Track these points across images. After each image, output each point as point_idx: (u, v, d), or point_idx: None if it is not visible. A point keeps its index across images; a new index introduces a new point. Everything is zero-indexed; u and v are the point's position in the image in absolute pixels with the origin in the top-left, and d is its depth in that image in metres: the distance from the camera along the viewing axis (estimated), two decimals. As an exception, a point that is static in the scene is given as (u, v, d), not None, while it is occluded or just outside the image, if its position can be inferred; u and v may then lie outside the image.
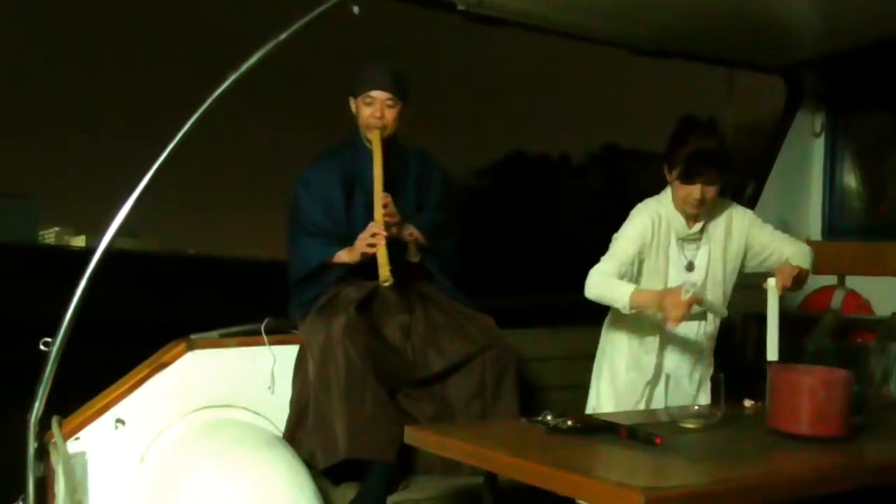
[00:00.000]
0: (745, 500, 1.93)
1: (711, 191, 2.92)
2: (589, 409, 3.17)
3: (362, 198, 3.20)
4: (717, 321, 3.09)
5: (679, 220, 3.02)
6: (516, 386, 3.14)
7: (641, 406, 3.06)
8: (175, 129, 2.96)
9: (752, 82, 4.54)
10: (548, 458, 2.07)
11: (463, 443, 2.27)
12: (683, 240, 3.04)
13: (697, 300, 2.82)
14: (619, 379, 3.11)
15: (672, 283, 2.98)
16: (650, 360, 3.05)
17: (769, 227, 3.13)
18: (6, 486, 2.98)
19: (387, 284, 2.99)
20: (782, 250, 3.06)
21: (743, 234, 3.07)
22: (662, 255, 3.02)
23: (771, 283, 2.86)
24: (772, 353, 2.75)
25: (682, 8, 3.41)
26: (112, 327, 11.95)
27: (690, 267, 3.03)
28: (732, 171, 3.03)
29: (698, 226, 3.02)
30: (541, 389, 3.49)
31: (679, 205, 2.99)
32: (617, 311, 3.03)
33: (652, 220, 3.00)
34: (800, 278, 2.89)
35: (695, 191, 2.92)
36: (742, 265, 3.11)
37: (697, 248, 3.05)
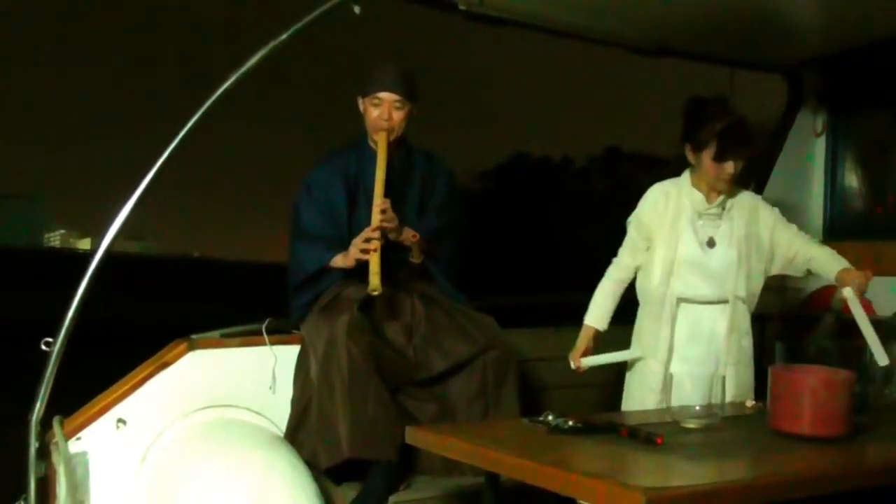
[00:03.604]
0: (746, 500, 1.93)
1: (740, 165, 3.00)
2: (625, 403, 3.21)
3: (366, 201, 3.18)
4: (745, 310, 3.07)
5: (697, 196, 3.07)
6: (518, 386, 3.14)
7: (661, 394, 3.02)
8: (179, 130, 2.97)
9: (753, 82, 4.54)
10: (549, 458, 2.07)
11: (464, 443, 2.27)
12: (702, 215, 3.06)
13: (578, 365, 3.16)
14: (642, 366, 3.14)
15: (683, 258, 3.03)
16: (666, 334, 3.06)
17: (794, 227, 3.17)
18: (8, 486, 2.99)
19: (375, 293, 2.97)
20: (806, 252, 3.09)
21: (768, 229, 3.11)
22: (672, 230, 3.05)
23: (847, 292, 2.86)
24: (881, 357, 2.69)
25: (683, 7, 3.41)
26: (115, 330, 11.94)
27: (711, 243, 3.06)
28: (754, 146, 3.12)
29: (718, 201, 3.06)
30: (542, 389, 3.50)
31: (710, 182, 3.03)
32: (644, 296, 3.14)
33: (660, 195, 3.10)
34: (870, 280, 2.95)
35: (728, 167, 2.98)
36: (768, 266, 3.12)
37: (718, 226, 3.07)
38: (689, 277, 3.05)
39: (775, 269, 3.15)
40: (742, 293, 3.06)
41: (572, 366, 3.17)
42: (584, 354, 3.17)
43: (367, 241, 3.02)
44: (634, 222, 3.15)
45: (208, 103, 2.95)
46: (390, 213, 3.08)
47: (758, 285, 3.10)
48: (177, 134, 2.94)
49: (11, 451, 3.00)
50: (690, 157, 3.06)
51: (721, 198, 3.07)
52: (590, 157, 45.13)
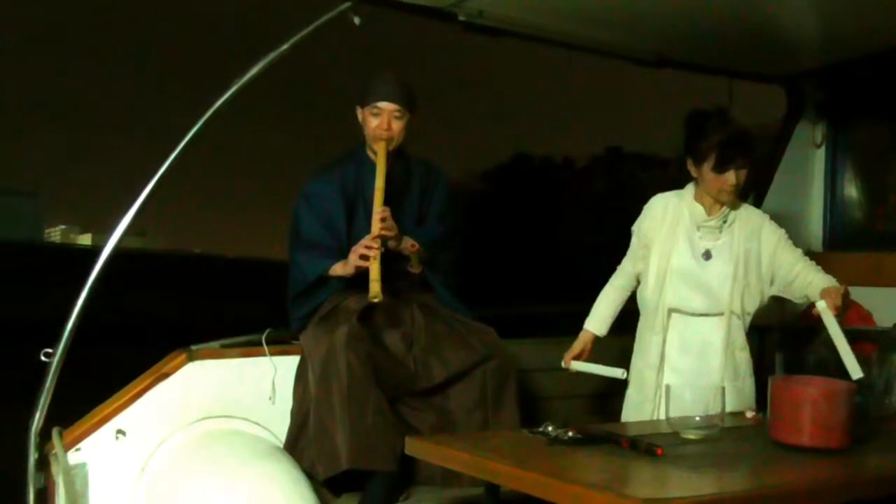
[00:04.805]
0: (746, 511, 1.93)
1: (743, 175, 3.00)
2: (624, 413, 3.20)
3: (364, 211, 3.19)
4: (739, 325, 3.05)
5: (697, 208, 3.08)
6: (517, 396, 3.14)
7: (657, 403, 3.04)
8: (179, 129, 2.99)
9: (753, 92, 4.55)
10: (549, 469, 2.07)
11: (464, 453, 2.27)
12: (700, 227, 3.07)
13: (567, 363, 3.20)
14: (640, 374, 3.13)
15: (675, 269, 3.05)
16: (657, 341, 3.07)
17: (799, 251, 3.13)
18: (6, 498, 2.98)
19: (376, 301, 2.97)
20: (806, 277, 3.04)
21: (770, 249, 3.07)
22: (668, 240, 3.07)
23: (822, 305, 2.81)
24: (854, 371, 2.65)
25: (684, 18, 3.42)
26: (115, 327, 11.90)
27: (707, 255, 3.06)
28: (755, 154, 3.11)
29: (720, 214, 3.06)
30: (542, 400, 3.49)
31: (714, 195, 3.03)
32: (641, 305, 3.16)
33: (661, 205, 3.13)
34: (847, 298, 2.90)
35: (730, 177, 2.98)
36: (767, 287, 3.09)
37: (717, 239, 3.07)
38: (680, 288, 3.06)
39: (773, 291, 3.10)
40: (737, 308, 3.04)
41: (563, 364, 3.21)
42: (579, 358, 3.18)
43: (367, 248, 3.02)
44: (636, 230, 3.19)
45: (210, 112, 2.96)
46: (390, 222, 3.08)
47: (753, 303, 3.07)
48: (179, 133, 2.96)
49: (10, 451, 2.99)
50: (692, 170, 3.06)
51: (723, 211, 3.06)
52: (591, 157, 45.13)
